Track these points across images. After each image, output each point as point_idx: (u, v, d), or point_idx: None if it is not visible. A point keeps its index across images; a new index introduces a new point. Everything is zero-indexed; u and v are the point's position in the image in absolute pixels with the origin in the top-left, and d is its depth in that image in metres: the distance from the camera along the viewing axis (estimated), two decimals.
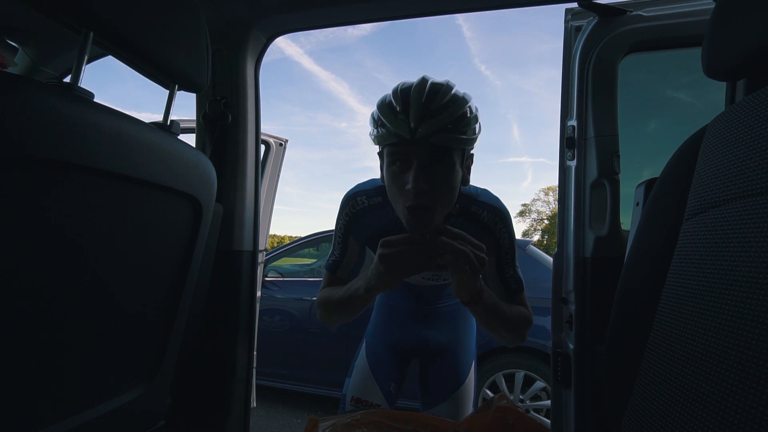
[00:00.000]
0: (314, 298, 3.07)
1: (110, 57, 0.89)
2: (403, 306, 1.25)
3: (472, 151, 0.84)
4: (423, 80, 0.77)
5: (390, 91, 0.80)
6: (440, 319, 1.24)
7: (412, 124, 0.72)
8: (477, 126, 0.79)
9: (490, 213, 0.91)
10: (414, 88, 0.75)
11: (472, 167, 0.86)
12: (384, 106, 0.77)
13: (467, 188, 0.94)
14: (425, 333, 1.22)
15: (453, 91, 0.76)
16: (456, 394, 1.17)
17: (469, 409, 1.18)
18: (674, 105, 1.25)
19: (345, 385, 1.21)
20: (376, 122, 0.78)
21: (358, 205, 0.95)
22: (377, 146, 0.83)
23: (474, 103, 0.80)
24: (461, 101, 0.76)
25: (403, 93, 0.75)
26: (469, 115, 0.76)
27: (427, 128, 0.71)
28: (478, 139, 0.81)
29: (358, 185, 0.98)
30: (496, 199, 0.95)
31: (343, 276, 1.00)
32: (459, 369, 1.21)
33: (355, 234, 0.98)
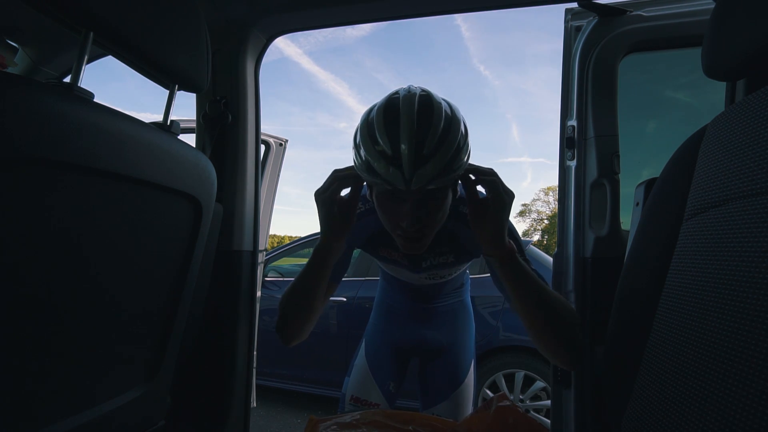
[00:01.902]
0: None
1: (110, 57, 0.89)
2: (401, 305, 1.25)
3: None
4: (410, 109, 0.66)
5: (374, 115, 0.69)
6: (439, 318, 1.24)
7: (405, 174, 0.65)
8: (467, 150, 0.72)
9: None
10: (402, 126, 0.65)
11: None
12: (370, 145, 0.67)
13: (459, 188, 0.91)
14: (424, 332, 1.23)
15: (443, 119, 0.67)
16: (455, 394, 1.17)
17: (469, 408, 1.18)
18: (673, 105, 1.25)
19: (344, 383, 1.22)
20: (363, 163, 0.69)
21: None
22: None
23: (462, 117, 0.72)
24: (453, 131, 0.67)
25: (390, 132, 0.66)
26: (461, 145, 0.69)
27: (422, 178, 0.65)
28: (468, 159, 0.74)
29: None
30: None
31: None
32: (458, 368, 1.21)
33: (348, 238, 0.93)
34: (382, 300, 1.31)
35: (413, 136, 0.65)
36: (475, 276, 2.65)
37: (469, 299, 1.33)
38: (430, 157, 0.65)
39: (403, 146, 0.65)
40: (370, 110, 0.72)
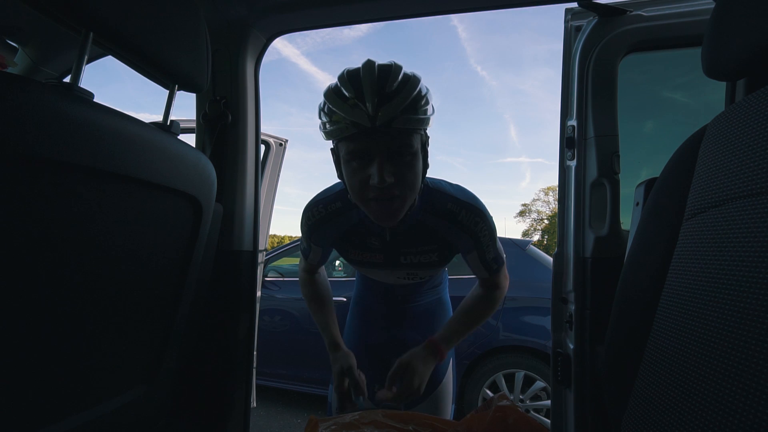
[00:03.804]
0: None
1: (110, 57, 0.89)
2: (378, 307, 1.23)
3: (428, 133, 0.82)
4: (369, 63, 0.72)
5: (337, 79, 0.75)
6: (417, 318, 1.22)
7: (369, 110, 0.67)
8: (430, 105, 0.77)
9: (469, 212, 0.90)
10: (363, 72, 0.70)
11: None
12: (333, 96, 0.72)
13: (440, 183, 0.94)
14: (402, 332, 1.21)
15: (403, 71, 0.73)
16: (434, 394, 1.15)
17: (448, 407, 1.18)
18: (670, 105, 1.26)
19: (329, 392, 1.20)
20: (328, 114, 0.73)
21: (315, 216, 0.95)
22: (329, 141, 0.79)
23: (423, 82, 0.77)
24: (413, 80, 0.72)
25: (351, 78, 0.71)
26: (422, 93, 0.74)
27: (387, 112, 0.68)
28: (431, 120, 0.79)
29: (317, 194, 0.98)
30: (473, 197, 0.94)
31: (314, 262, 1.11)
32: (436, 368, 1.20)
33: (317, 240, 1.01)
34: (358, 302, 1.29)
35: (374, 79, 0.69)
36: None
37: (447, 296, 1.30)
38: (394, 95, 0.69)
39: (365, 87, 0.68)
40: (333, 82, 0.77)
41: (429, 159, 0.84)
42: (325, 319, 1.10)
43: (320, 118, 0.77)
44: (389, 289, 1.19)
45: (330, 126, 0.73)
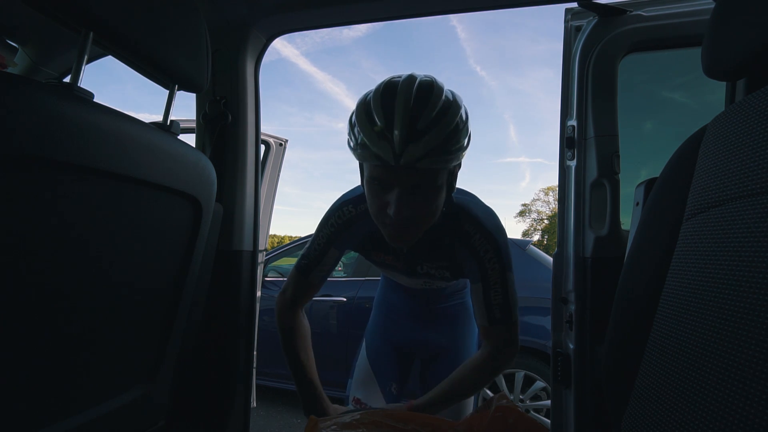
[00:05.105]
0: (314, 298, 3.04)
1: (110, 57, 0.89)
2: (403, 305, 1.25)
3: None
4: (408, 86, 0.66)
5: (372, 93, 0.69)
6: (440, 320, 1.24)
7: (396, 148, 0.63)
8: (467, 136, 0.71)
9: (484, 239, 0.84)
10: (398, 101, 0.65)
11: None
12: (364, 118, 0.67)
13: (467, 202, 0.89)
14: (425, 333, 1.22)
15: (442, 100, 0.67)
16: None
17: (470, 407, 1.18)
18: (669, 105, 1.26)
19: (348, 385, 1.21)
20: (356, 137, 0.69)
21: (346, 215, 0.92)
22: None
23: (464, 104, 0.72)
24: (452, 112, 0.67)
25: (385, 106, 0.66)
26: (459, 127, 0.68)
27: (413, 153, 0.63)
28: (468, 147, 0.74)
29: (345, 195, 0.96)
30: (497, 228, 0.87)
31: (315, 281, 0.96)
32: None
33: (339, 244, 0.95)
34: (383, 299, 1.31)
35: (408, 110, 0.64)
36: None
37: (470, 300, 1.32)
38: (425, 132, 0.64)
39: (396, 119, 0.64)
40: (369, 91, 0.72)
41: (456, 182, 0.80)
42: (312, 377, 0.99)
43: (348, 133, 0.73)
44: (411, 292, 1.19)
45: (356, 148, 0.70)
